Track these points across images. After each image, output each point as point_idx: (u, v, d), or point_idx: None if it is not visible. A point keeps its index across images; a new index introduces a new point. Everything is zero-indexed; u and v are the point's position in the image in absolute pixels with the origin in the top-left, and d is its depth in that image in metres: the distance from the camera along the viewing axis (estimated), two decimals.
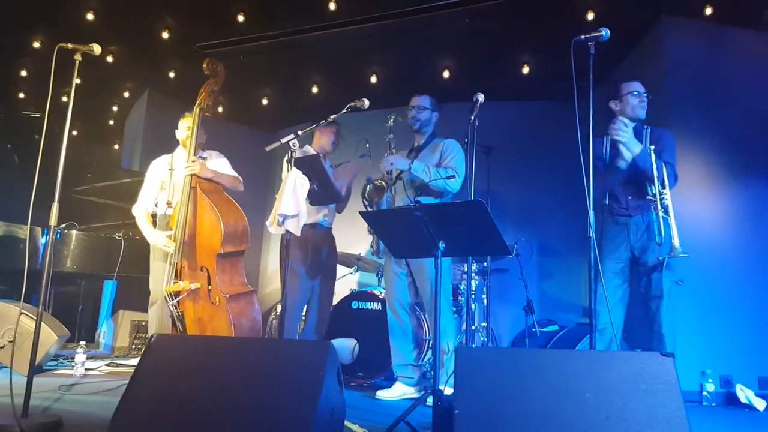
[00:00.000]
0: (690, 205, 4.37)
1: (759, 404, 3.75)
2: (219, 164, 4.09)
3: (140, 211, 4.06)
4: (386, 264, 4.11)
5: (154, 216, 4.09)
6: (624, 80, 3.53)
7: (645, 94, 3.49)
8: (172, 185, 3.98)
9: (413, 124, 4.02)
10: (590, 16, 4.65)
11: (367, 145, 4.08)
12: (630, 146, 3.32)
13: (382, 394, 3.85)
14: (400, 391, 3.86)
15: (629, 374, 1.89)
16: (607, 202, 3.57)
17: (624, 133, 3.29)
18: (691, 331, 4.19)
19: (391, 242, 3.08)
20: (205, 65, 3.76)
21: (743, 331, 4.04)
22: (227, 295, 3.41)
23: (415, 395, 3.84)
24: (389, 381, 4.06)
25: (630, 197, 3.47)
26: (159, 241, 3.83)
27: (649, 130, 3.52)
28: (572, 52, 2.77)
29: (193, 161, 3.72)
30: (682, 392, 1.83)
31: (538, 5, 4.77)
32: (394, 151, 3.97)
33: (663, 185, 3.23)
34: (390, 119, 3.98)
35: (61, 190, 2.85)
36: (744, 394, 3.84)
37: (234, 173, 4.12)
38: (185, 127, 4.04)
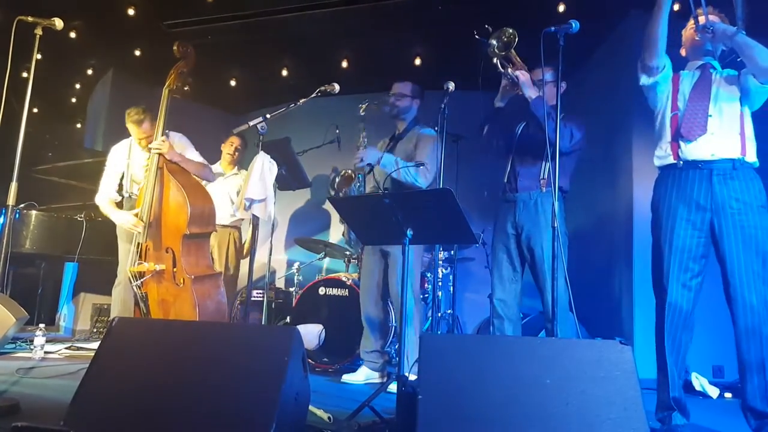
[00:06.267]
0: None
1: (712, 392, 3.87)
2: (182, 148, 3.99)
3: (103, 200, 3.98)
4: (365, 253, 4.09)
5: (119, 204, 4.00)
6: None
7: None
8: (129, 175, 3.91)
9: (391, 111, 3.92)
10: (561, 8, 4.69)
11: (337, 131, 4.06)
12: (526, 89, 3.21)
13: (348, 378, 3.88)
14: (364, 375, 3.90)
15: (589, 361, 1.92)
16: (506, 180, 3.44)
17: (520, 74, 3.21)
18: (649, 321, 4.28)
19: (360, 229, 3.07)
20: (175, 48, 3.68)
21: (699, 322, 4.14)
22: (192, 277, 3.37)
23: (379, 380, 3.88)
24: (354, 366, 4.07)
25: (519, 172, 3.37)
26: (126, 221, 3.73)
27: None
28: (542, 44, 2.79)
29: (163, 141, 3.64)
30: (640, 380, 1.88)
31: None
32: (365, 140, 3.85)
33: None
34: (362, 107, 3.82)
35: (21, 169, 2.78)
36: (699, 382, 3.95)
37: (201, 159, 4.04)
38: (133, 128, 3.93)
